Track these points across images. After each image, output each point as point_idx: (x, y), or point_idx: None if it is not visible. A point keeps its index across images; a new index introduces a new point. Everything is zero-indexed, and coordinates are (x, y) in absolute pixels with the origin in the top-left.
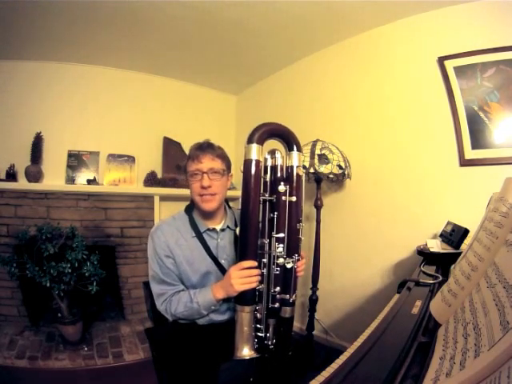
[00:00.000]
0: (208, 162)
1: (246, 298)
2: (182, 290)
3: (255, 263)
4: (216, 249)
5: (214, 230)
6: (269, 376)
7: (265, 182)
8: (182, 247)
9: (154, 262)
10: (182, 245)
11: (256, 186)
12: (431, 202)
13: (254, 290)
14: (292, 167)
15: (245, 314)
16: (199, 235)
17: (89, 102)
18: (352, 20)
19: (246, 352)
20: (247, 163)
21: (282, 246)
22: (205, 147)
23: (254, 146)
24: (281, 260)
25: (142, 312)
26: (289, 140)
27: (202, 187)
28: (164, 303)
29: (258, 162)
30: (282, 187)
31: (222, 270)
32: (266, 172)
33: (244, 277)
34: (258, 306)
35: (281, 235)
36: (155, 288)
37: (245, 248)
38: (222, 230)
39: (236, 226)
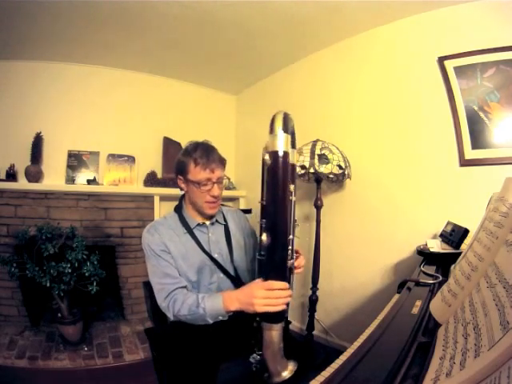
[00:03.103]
0: (218, 172)
1: (275, 315)
2: (185, 287)
3: (287, 285)
4: (208, 244)
5: (203, 224)
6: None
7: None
8: (175, 243)
9: (153, 258)
10: (176, 241)
11: (287, 185)
12: (431, 202)
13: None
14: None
15: (275, 333)
16: (190, 231)
17: (89, 101)
18: (352, 20)
19: (285, 374)
20: (276, 156)
21: (290, 248)
22: (213, 154)
23: (284, 136)
24: (289, 262)
25: (142, 312)
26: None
27: (213, 196)
28: (166, 300)
29: (286, 154)
30: (292, 186)
31: (217, 264)
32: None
33: (271, 298)
34: None
35: (290, 237)
36: (156, 283)
37: (275, 262)
38: (212, 224)
39: (225, 220)
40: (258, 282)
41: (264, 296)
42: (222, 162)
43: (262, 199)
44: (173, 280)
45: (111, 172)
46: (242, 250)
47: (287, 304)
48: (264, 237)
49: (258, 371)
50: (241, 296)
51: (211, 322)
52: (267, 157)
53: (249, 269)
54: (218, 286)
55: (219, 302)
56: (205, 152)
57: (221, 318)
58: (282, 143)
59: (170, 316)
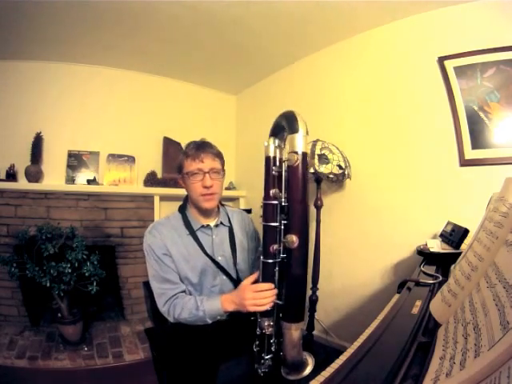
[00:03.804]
0: (209, 162)
1: (294, 314)
2: (184, 292)
3: (272, 285)
4: (211, 246)
5: (207, 226)
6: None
7: (277, 177)
8: (177, 245)
9: (153, 262)
10: (178, 242)
11: (308, 184)
12: (431, 202)
13: (301, 305)
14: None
15: (295, 332)
16: (193, 233)
17: (89, 101)
18: (352, 20)
19: (307, 370)
20: (301, 156)
21: None
22: (205, 146)
23: (304, 137)
24: None
25: (142, 312)
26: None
27: (205, 187)
28: (166, 304)
29: (307, 154)
30: None
31: (220, 267)
32: (274, 164)
33: (257, 299)
34: (269, 320)
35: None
36: (156, 287)
37: (302, 264)
38: (216, 225)
39: (230, 222)
40: (246, 283)
41: (252, 297)
42: (216, 154)
43: (274, 199)
44: (172, 285)
45: (111, 172)
46: (245, 252)
47: (301, 306)
48: (294, 238)
49: (267, 375)
50: (234, 297)
51: (210, 322)
52: (293, 156)
53: (250, 271)
54: (220, 288)
55: (218, 304)
56: (195, 145)
57: (219, 317)
58: (305, 143)
59: (171, 319)
